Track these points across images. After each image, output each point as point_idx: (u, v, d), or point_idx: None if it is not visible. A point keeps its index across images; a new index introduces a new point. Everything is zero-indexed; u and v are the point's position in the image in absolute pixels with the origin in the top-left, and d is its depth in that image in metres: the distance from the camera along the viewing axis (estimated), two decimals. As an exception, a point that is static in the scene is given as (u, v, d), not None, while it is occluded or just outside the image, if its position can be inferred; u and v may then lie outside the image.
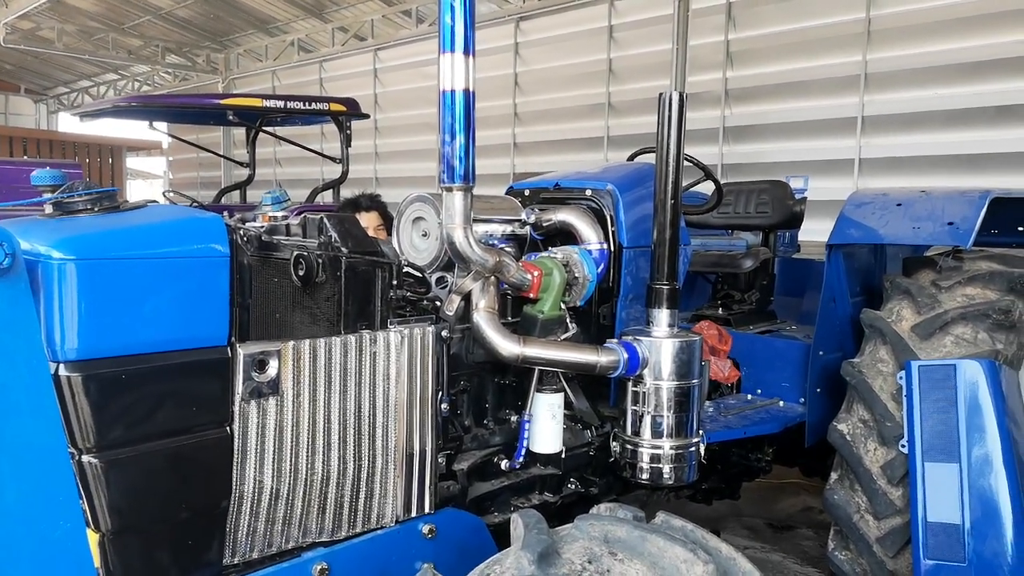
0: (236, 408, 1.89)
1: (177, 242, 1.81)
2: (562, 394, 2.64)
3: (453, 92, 2.08)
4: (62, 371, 1.64)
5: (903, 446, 2.75)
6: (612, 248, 2.85)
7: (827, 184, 8.11)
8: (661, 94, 2.50)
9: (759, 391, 3.70)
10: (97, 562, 1.73)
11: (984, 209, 2.90)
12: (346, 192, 7.79)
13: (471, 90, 2.10)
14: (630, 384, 2.56)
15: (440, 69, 2.11)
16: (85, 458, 1.68)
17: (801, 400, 3.54)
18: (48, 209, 1.94)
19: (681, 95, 2.48)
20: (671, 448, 2.53)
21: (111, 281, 1.68)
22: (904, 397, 2.75)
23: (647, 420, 2.53)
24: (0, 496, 1.52)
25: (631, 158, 3.76)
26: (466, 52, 2.07)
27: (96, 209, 1.90)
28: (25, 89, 22.67)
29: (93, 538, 1.72)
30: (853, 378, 2.99)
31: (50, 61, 19.08)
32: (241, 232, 2.02)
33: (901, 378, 2.79)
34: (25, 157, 16.22)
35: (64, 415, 1.64)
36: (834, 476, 3.03)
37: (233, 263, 1.88)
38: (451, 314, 2.41)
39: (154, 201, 2.16)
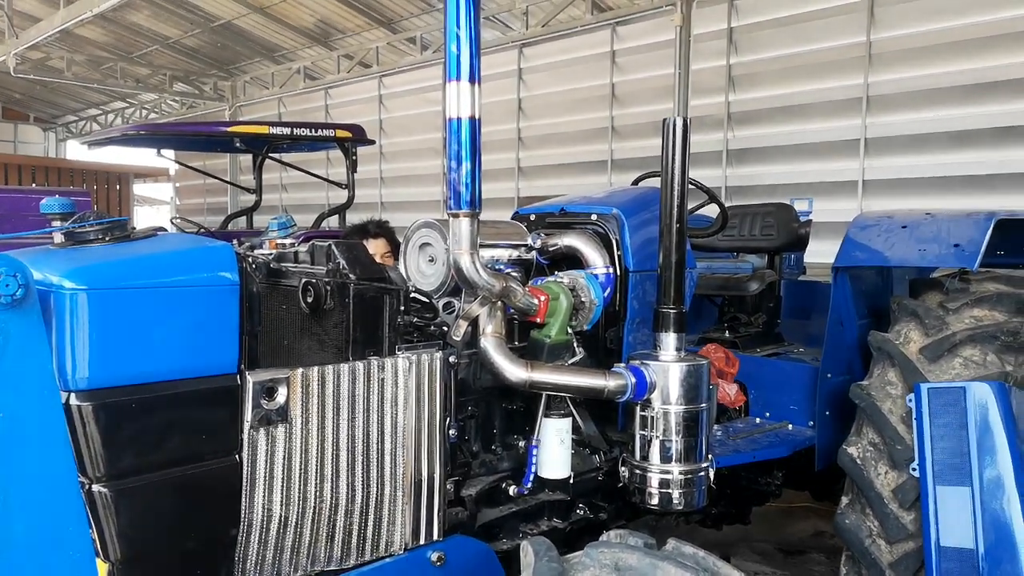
0: (245, 436, 1.89)
1: (188, 271, 1.82)
2: (570, 419, 2.63)
3: (459, 120, 2.10)
4: (73, 400, 1.65)
5: (914, 469, 2.72)
6: (618, 272, 2.86)
7: (831, 205, 8.14)
8: (665, 120, 2.51)
9: (767, 414, 3.68)
10: (106, 592, 1.73)
11: (990, 231, 2.90)
12: (352, 217, 7.84)
13: (477, 118, 2.12)
14: (638, 408, 2.55)
15: (446, 97, 2.13)
16: (95, 487, 1.68)
17: (810, 423, 3.52)
18: (58, 238, 1.96)
19: (685, 120, 2.50)
20: (680, 473, 2.52)
21: (122, 310, 1.69)
22: (914, 420, 2.73)
23: (656, 445, 2.52)
24: (10, 526, 1.51)
25: (636, 183, 3.78)
26: (472, 80, 2.09)
27: (107, 239, 1.92)
28: (34, 118, 22.97)
29: (103, 568, 1.71)
30: (862, 401, 2.97)
31: (59, 90, 19.34)
32: (250, 260, 2.04)
33: (910, 401, 2.77)
34: (34, 185, 16.36)
35: (74, 444, 1.64)
36: (845, 500, 3.00)
37: (243, 291, 1.89)
38: (458, 339, 2.41)
39: (163, 228, 2.18)
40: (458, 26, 2.06)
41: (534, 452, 2.59)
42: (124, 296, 1.70)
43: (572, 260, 2.87)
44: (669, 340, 2.53)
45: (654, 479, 2.53)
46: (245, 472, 1.89)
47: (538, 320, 2.56)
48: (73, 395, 1.65)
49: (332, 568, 2.11)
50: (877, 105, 8.07)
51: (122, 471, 1.70)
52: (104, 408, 1.66)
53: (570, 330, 2.63)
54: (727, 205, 3.57)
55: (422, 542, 2.27)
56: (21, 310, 1.51)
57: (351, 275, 2.16)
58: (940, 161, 7.69)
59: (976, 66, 7.39)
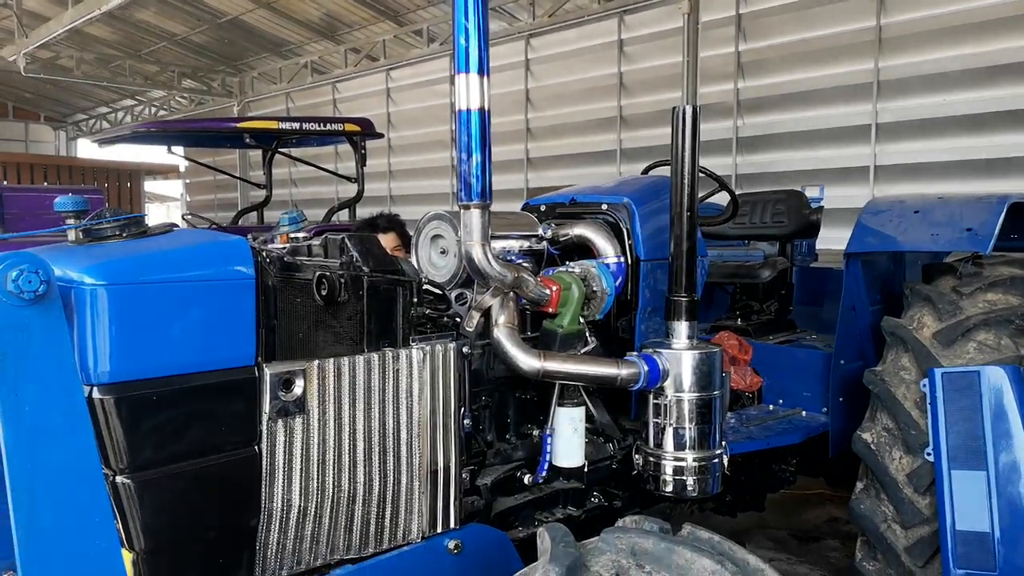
0: (263, 427, 1.92)
1: (205, 265, 1.85)
2: (583, 408, 2.65)
3: (469, 112, 2.11)
4: (96, 394, 1.67)
5: (928, 454, 2.73)
6: (629, 261, 2.86)
7: (843, 192, 8.10)
8: (674, 108, 2.51)
9: (781, 401, 3.68)
10: (131, 581, 1.76)
11: (1003, 215, 2.89)
12: (362, 211, 7.86)
13: (487, 109, 2.13)
14: (651, 397, 2.56)
15: (456, 89, 2.15)
16: (119, 479, 1.71)
17: (824, 410, 3.53)
18: (74, 235, 1.98)
19: (695, 109, 2.50)
20: (694, 460, 2.53)
21: (142, 305, 1.71)
22: (928, 405, 2.73)
23: (669, 432, 2.53)
24: (38, 517, 1.54)
25: (645, 171, 3.77)
26: (481, 72, 2.10)
27: (124, 235, 1.95)
28: (45, 117, 23.13)
29: (127, 557, 1.75)
30: (876, 386, 2.97)
31: (69, 89, 19.46)
32: (265, 254, 2.06)
33: (924, 386, 2.78)
34: (46, 183, 16.49)
35: (98, 437, 1.67)
36: (859, 486, 3.01)
37: (259, 285, 1.91)
38: (471, 330, 2.43)
39: (176, 225, 2.21)
40: (466, 18, 2.07)
41: (548, 441, 2.60)
42: (143, 291, 1.72)
43: (583, 250, 2.88)
44: (681, 328, 2.54)
45: (668, 467, 2.54)
46: (264, 463, 1.92)
47: (550, 310, 2.58)
48: (95, 388, 1.67)
49: (351, 556, 2.14)
50: (888, 90, 8.01)
51: (144, 463, 1.73)
52: (126, 401, 1.69)
53: (582, 319, 2.64)
54: (738, 193, 3.57)
55: (439, 530, 2.30)
56: (43, 306, 1.53)
57: (364, 267, 2.18)
58: (952, 145, 7.63)
59: (988, 49, 7.32)
